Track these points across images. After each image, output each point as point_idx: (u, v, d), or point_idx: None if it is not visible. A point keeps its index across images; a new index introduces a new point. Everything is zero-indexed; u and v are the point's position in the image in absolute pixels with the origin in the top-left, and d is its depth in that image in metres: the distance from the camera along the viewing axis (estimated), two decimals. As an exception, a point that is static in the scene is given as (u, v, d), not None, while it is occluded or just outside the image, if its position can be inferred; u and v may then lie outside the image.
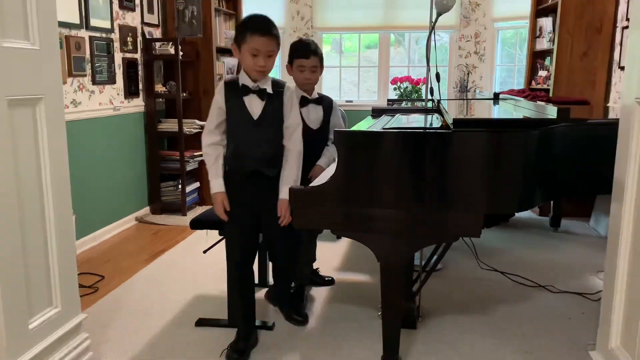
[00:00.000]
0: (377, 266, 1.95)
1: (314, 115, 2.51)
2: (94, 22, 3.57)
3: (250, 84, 2.04)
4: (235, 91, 2.06)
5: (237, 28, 2.08)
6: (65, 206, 1.90)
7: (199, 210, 4.40)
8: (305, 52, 2.43)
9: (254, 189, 2.08)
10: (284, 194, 2.04)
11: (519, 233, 3.84)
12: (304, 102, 2.48)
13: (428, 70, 2.51)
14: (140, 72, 4.20)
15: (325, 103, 2.56)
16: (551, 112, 2.45)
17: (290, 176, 2.07)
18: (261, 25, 1.98)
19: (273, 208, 2.07)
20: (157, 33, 4.44)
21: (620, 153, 1.92)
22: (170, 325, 2.45)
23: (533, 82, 4.67)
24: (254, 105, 2.05)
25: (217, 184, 2.09)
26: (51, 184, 1.81)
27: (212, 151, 2.11)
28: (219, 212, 2.09)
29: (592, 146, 2.29)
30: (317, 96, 2.54)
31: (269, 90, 2.06)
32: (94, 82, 3.62)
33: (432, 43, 2.48)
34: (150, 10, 4.31)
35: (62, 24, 3.24)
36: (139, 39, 4.19)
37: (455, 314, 2.55)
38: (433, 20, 2.49)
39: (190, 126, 4.35)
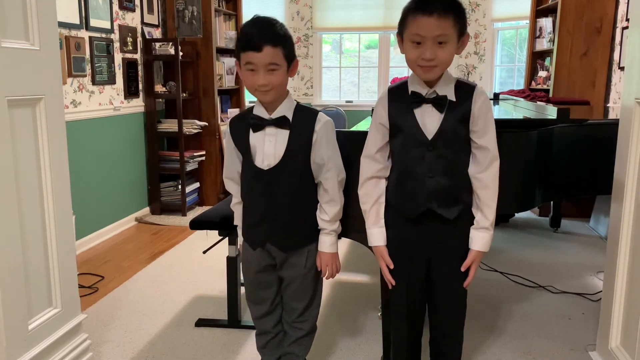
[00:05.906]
0: (377, 266, 1.94)
1: (272, 145, 1.61)
2: (93, 22, 3.58)
3: (423, 90, 1.48)
4: (401, 101, 1.50)
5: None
6: (65, 206, 1.90)
7: (199, 210, 4.39)
8: (253, 40, 1.49)
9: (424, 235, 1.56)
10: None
11: (519, 233, 3.84)
12: (257, 125, 1.61)
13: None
14: (140, 73, 4.20)
15: (300, 122, 1.60)
16: (551, 112, 2.45)
17: None
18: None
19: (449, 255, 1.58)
20: (157, 33, 4.44)
21: (620, 153, 1.92)
22: (170, 325, 2.45)
23: (533, 83, 4.67)
24: (429, 120, 1.48)
25: (377, 234, 1.60)
26: (51, 184, 1.81)
27: (373, 188, 1.57)
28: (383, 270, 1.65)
29: (592, 146, 2.29)
30: (282, 114, 1.59)
31: (451, 97, 1.47)
32: (93, 83, 3.62)
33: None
34: (150, 11, 4.31)
35: (62, 24, 3.24)
36: (139, 39, 4.19)
37: (455, 314, 2.54)
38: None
39: (190, 126, 4.34)
